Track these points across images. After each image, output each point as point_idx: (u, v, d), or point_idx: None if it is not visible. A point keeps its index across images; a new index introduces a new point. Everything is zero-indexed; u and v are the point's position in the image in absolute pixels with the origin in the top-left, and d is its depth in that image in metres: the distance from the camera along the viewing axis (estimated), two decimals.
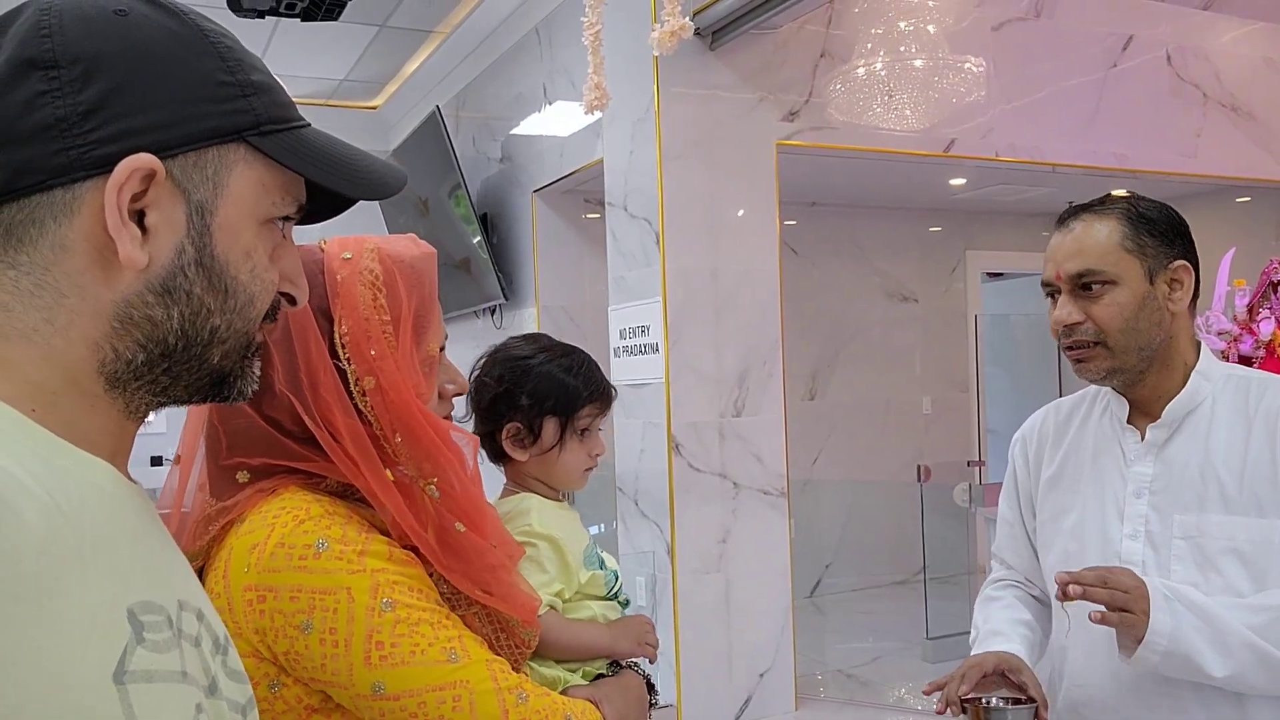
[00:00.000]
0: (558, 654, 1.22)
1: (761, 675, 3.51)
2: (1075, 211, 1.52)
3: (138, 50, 0.64)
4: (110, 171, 0.61)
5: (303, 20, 3.13)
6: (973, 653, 1.55)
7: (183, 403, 0.70)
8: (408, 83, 5.62)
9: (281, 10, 3.01)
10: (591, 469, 1.34)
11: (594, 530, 4.07)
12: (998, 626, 1.58)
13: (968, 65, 3.84)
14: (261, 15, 3.04)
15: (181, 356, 0.67)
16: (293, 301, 0.75)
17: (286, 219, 0.73)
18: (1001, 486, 1.74)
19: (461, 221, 4.79)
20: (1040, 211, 6.83)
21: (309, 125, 0.73)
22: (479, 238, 4.67)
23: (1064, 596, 1.30)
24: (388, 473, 1.01)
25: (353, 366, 1.01)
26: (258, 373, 0.73)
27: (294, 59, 5.25)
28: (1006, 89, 4.10)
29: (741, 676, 3.48)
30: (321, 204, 0.77)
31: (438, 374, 1.11)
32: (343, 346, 1.01)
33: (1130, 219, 1.47)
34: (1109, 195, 1.53)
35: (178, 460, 1.05)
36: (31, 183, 0.61)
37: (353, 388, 1.01)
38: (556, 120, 4.32)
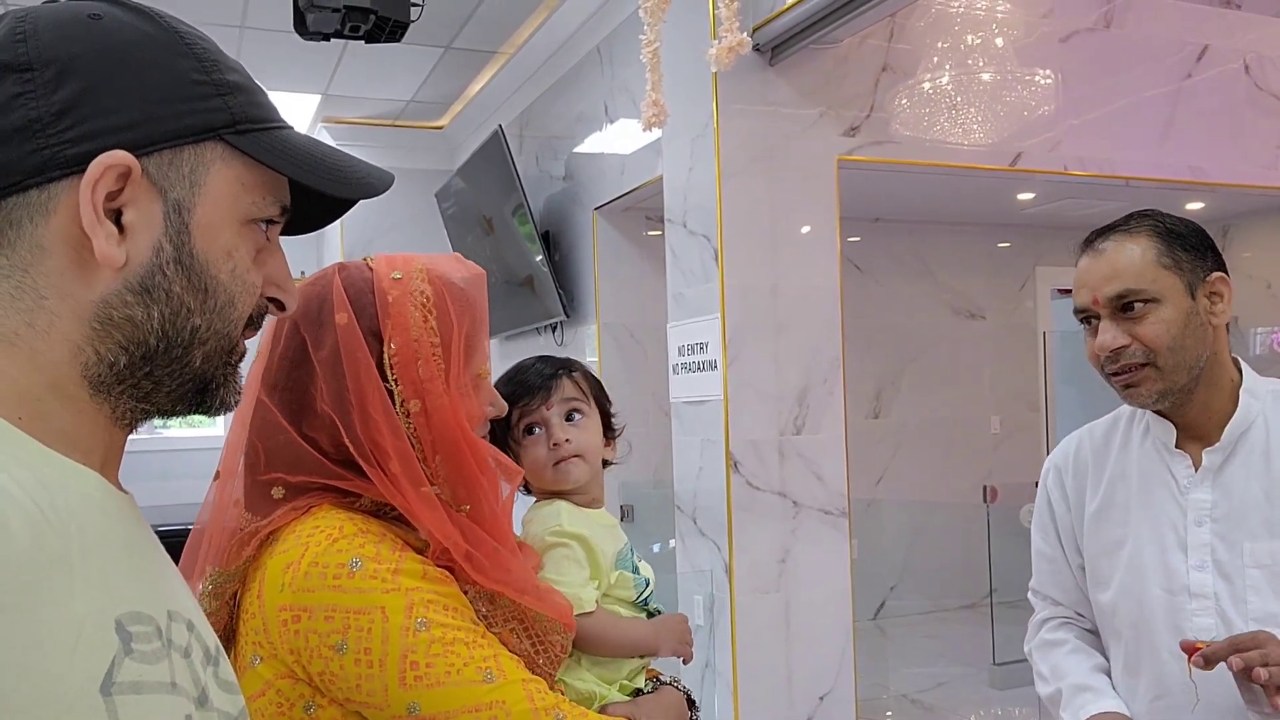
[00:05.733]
0: (608, 650, 1.21)
1: (822, 698, 3.45)
2: (1101, 233, 1.47)
3: (111, 52, 0.64)
4: (85, 170, 0.62)
5: (366, 42, 3.18)
6: (1064, 714, 1.48)
7: (167, 413, 0.69)
8: (472, 103, 5.69)
9: (346, 33, 3.07)
10: (563, 460, 1.29)
11: (654, 548, 4.05)
12: (1082, 680, 1.51)
13: (1038, 78, 3.77)
14: (326, 38, 3.10)
15: (163, 359, 0.66)
16: (281, 307, 0.74)
17: (271, 221, 0.72)
18: (1033, 519, 1.65)
19: (524, 240, 4.83)
20: None
21: (290, 127, 0.72)
22: (541, 256, 4.70)
23: (1205, 665, 1.21)
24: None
25: (400, 388, 1.01)
26: (241, 383, 0.73)
27: (363, 81, 5.36)
28: (1076, 101, 4.01)
29: (801, 699, 3.42)
30: (312, 212, 0.76)
31: (485, 395, 1.10)
32: (391, 367, 1.01)
33: (1161, 235, 1.42)
34: (1131, 215, 1.47)
35: (218, 476, 1.05)
36: (8, 184, 0.62)
37: (398, 409, 1.00)
38: (618, 138, 4.34)
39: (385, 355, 1.01)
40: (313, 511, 1.00)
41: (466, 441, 1.02)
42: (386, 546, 0.97)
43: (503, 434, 1.32)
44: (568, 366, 1.35)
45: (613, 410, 1.40)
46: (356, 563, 0.94)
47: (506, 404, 1.27)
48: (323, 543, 0.95)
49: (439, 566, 1.00)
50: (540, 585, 1.09)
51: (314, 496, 1.01)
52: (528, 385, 1.31)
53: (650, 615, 1.31)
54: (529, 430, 1.31)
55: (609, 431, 1.38)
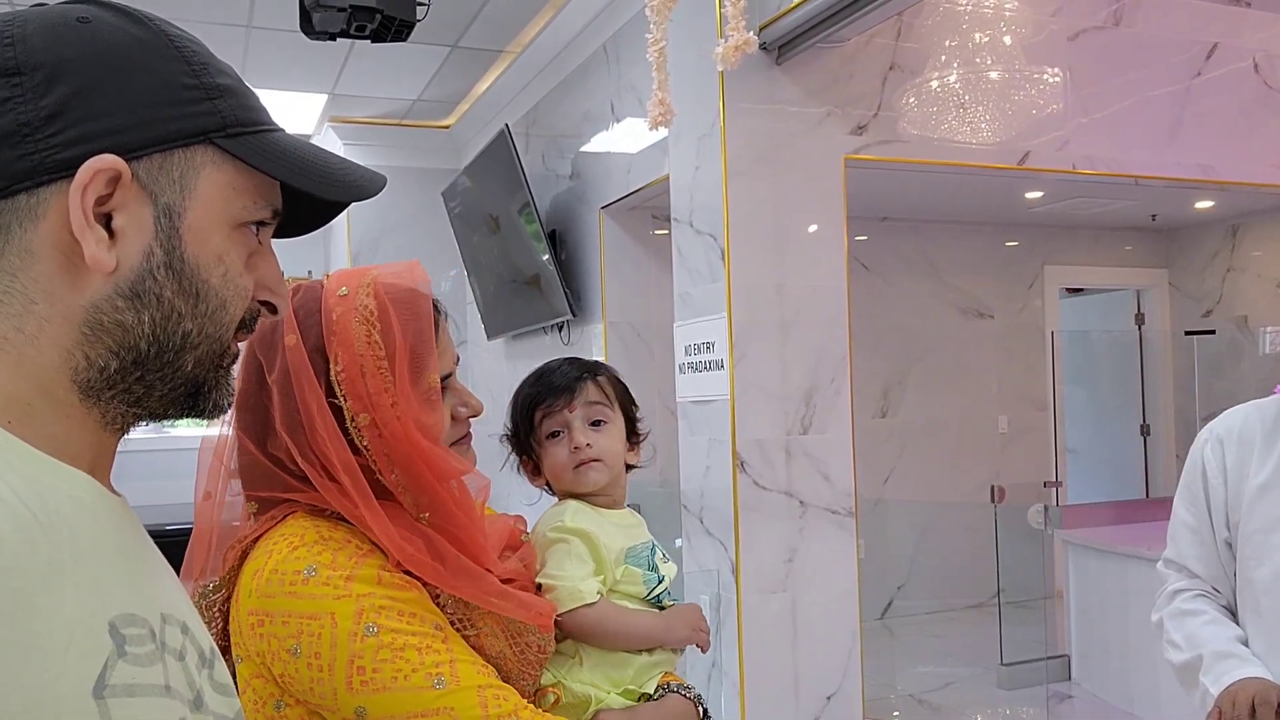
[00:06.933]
0: (613, 642, 1.21)
1: (828, 698, 3.45)
2: None
3: (100, 55, 0.64)
4: (75, 174, 0.61)
5: (373, 41, 3.18)
6: (1205, 679, 1.47)
7: (159, 417, 0.69)
8: (479, 102, 5.70)
9: (352, 32, 3.07)
10: (583, 464, 1.29)
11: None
12: (1225, 647, 1.49)
13: (1046, 76, 3.75)
14: (333, 38, 3.10)
15: (154, 364, 0.66)
16: (273, 310, 0.74)
17: (262, 224, 0.72)
18: (1179, 487, 1.64)
19: (531, 239, 4.83)
20: (1122, 225, 6.65)
21: (281, 130, 0.72)
22: (547, 255, 4.70)
23: None
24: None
25: (349, 403, 1.02)
26: (233, 387, 0.73)
27: (369, 81, 5.36)
28: (1084, 100, 3.99)
29: (808, 699, 3.42)
30: (304, 214, 0.76)
31: (446, 401, 1.11)
32: (338, 384, 1.03)
33: None
34: None
35: (208, 496, 1.08)
36: None
37: (350, 424, 1.03)
38: (624, 137, 4.33)
39: (332, 372, 1.03)
40: (286, 520, 1.03)
41: (419, 452, 1.04)
42: (345, 554, 0.99)
43: (526, 435, 1.32)
44: (593, 370, 1.35)
45: (638, 415, 1.39)
46: (312, 570, 0.96)
47: (534, 407, 1.29)
48: (284, 550, 0.98)
49: (406, 573, 1.01)
50: (510, 590, 1.09)
51: (286, 507, 1.04)
52: (552, 387, 1.31)
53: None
54: (552, 434, 1.31)
55: (633, 435, 1.37)
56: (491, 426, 1.38)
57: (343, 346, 1.03)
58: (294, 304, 1.06)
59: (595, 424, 1.32)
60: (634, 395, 1.39)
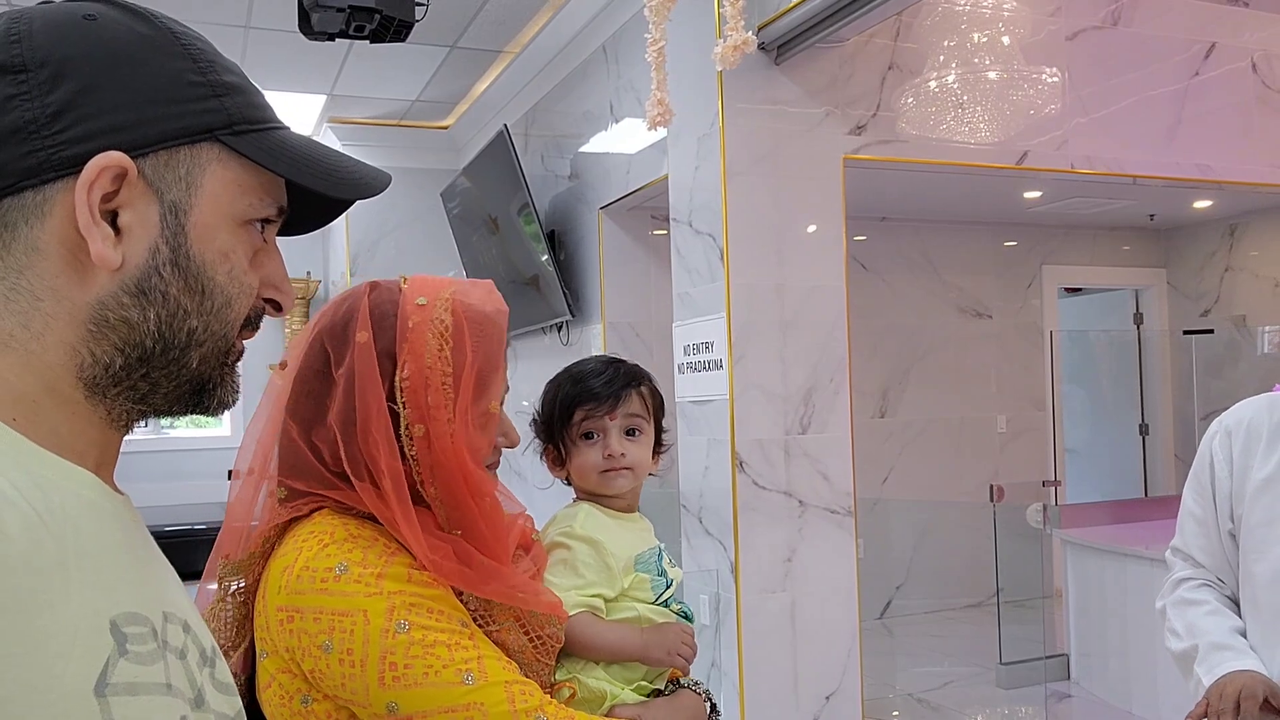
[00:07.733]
0: (585, 653, 1.22)
1: (828, 698, 3.45)
2: None
3: (106, 53, 0.64)
4: (80, 171, 0.61)
5: (371, 42, 3.19)
6: (1199, 669, 1.49)
7: (164, 414, 0.69)
8: (478, 102, 5.70)
9: (351, 33, 3.07)
10: (610, 470, 1.32)
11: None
12: (1221, 639, 1.51)
13: (1044, 76, 3.76)
14: (331, 38, 3.10)
15: (160, 360, 0.66)
16: (278, 308, 0.74)
17: (268, 222, 0.72)
18: (1189, 476, 1.65)
19: (530, 239, 4.83)
20: (1121, 225, 6.65)
21: (286, 128, 0.72)
22: (546, 255, 4.70)
23: None
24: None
25: (406, 410, 1.03)
26: (238, 384, 0.72)
27: (368, 81, 5.36)
28: (1083, 100, 4.00)
29: (807, 699, 3.42)
30: (309, 212, 0.76)
31: (493, 430, 1.12)
32: (401, 391, 1.03)
33: None
34: None
35: (251, 472, 1.08)
36: (3, 186, 0.61)
37: (402, 431, 1.03)
38: (623, 137, 4.33)
39: (397, 378, 1.03)
40: (313, 516, 1.04)
41: (463, 472, 1.05)
42: (374, 552, 1.00)
43: (561, 429, 1.34)
44: (637, 380, 1.36)
45: (665, 426, 1.42)
46: (343, 567, 0.98)
47: (575, 407, 1.31)
48: (314, 548, 0.99)
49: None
50: (530, 582, 1.11)
51: (315, 500, 1.05)
52: (595, 392, 1.33)
53: (681, 615, 1.32)
54: (588, 435, 1.33)
55: (658, 446, 1.40)
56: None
57: (413, 355, 1.03)
58: (370, 301, 1.06)
59: (630, 433, 1.34)
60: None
